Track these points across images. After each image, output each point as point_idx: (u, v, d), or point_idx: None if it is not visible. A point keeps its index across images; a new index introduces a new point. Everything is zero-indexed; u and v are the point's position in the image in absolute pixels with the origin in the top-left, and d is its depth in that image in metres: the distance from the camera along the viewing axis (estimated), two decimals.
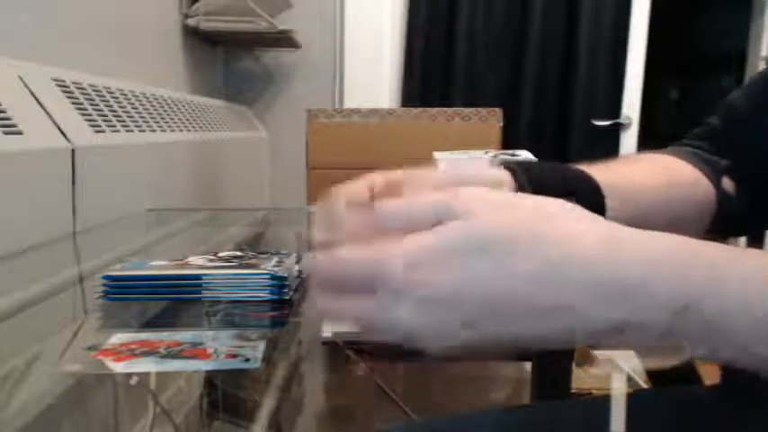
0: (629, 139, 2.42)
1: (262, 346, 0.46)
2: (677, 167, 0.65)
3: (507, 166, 0.53)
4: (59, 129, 0.85)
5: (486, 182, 0.50)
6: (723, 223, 0.62)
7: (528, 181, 0.51)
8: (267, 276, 0.56)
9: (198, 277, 0.56)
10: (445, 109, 1.56)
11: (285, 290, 0.57)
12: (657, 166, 0.65)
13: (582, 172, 0.55)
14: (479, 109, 1.54)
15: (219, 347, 0.45)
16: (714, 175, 0.64)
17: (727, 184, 0.64)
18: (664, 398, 0.47)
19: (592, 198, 0.53)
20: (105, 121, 1.00)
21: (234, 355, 0.44)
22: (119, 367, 0.42)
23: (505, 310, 0.30)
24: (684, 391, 0.49)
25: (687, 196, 0.63)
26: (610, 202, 0.53)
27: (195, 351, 0.44)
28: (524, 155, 1.10)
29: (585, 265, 0.30)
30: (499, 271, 0.30)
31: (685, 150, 0.67)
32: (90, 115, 0.96)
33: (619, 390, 0.49)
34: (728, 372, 0.49)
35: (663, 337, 0.30)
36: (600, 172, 0.56)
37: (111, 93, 1.09)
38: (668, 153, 0.67)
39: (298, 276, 0.63)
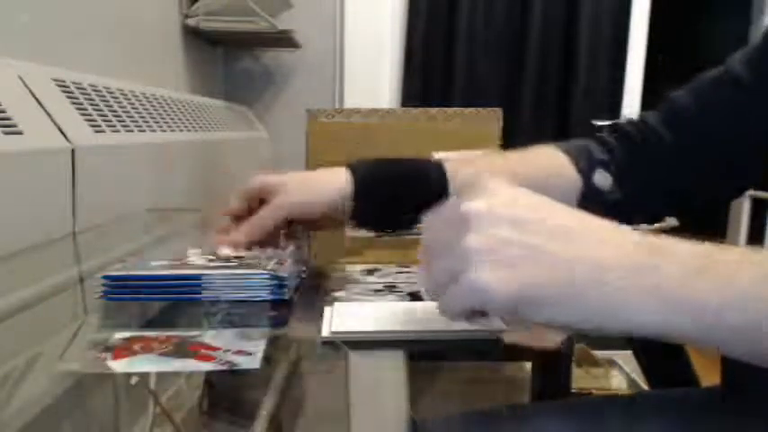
0: None
1: (262, 346, 0.46)
2: (545, 160, 0.72)
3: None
4: (59, 129, 0.85)
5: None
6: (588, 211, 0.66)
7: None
8: (267, 276, 0.56)
9: (198, 277, 0.56)
10: (445, 109, 1.56)
11: (285, 290, 0.57)
12: (524, 159, 0.72)
13: (428, 164, 0.64)
14: (479, 109, 1.54)
15: (220, 348, 0.45)
16: (587, 167, 0.69)
17: (600, 178, 0.69)
18: (664, 399, 0.47)
19: (438, 185, 0.63)
20: (105, 121, 1.00)
21: (234, 355, 0.44)
22: (119, 367, 0.42)
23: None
24: (684, 393, 0.49)
25: (544, 187, 0.67)
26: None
27: (196, 351, 0.45)
28: None
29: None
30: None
31: (572, 145, 0.74)
32: (90, 115, 0.96)
33: (619, 390, 0.49)
34: (729, 374, 0.49)
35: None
36: (457, 164, 0.64)
37: (111, 93, 1.09)
38: (554, 146, 0.74)
39: (298, 276, 0.63)
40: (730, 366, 0.50)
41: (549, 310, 0.35)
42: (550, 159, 0.71)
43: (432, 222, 0.40)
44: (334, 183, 0.63)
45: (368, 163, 0.65)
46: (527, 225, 0.36)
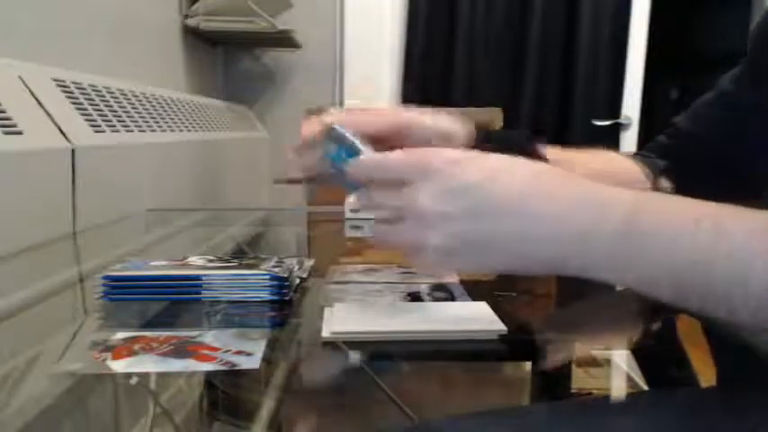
0: (629, 139, 2.42)
1: (262, 346, 0.46)
2: (620, 161, 0.74)
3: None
4: (59, 129, 0.85)
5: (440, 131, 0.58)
6: None
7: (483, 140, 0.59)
8: (267, 277, 0.56)
9: (198, 277, 0.56)
10: (445, 109, 1.55)
11: (285, 290, 0.57)
12: (603, 157, 0.73)
13: (536, 149, 0.64)
14: (479, 109, 1.54)
15: (220, 348, 0.45)
16: (652, 172, 0.72)
17: (665, 183, 0.72)
18: (661, 399, 0.47)
19: None
20: (105, 121, 1.00)
21: (234, 355, 0.44)
22: (119, 367, 0.42)
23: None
24: (682, 392, 0.49)
25: (623, 185, 0.70)
26: None
27: (196, 351, 0.45)
28: None
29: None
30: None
31: (631, 154, 0.76)
32: (90, 115, 0.96)
33: (619, 390, 0.49)
34: (723, 373, 0.49)
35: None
36: (555, 152, 0.64)
37: (111, 93, 1.09)
38: (616, 153, 0.77)
39: (298, 276, 0.63)
40: (724, 366, 0.50)
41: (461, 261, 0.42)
42: (622, 163, 0.74)
43: (404, 159, 0.43)
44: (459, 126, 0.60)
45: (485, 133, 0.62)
46: (478, 218, 0.40)
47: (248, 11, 1.76)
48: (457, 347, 0.49)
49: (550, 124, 2.38)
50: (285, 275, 0.57)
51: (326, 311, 0.52)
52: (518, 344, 0.50)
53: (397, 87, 2.32)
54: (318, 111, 0.54)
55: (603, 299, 0.73)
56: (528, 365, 0.50)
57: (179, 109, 1.43)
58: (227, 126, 1.79)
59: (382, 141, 0.52)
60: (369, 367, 0.47)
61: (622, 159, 0.74)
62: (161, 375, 0.41)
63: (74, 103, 0.94)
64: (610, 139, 2.40)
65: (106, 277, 0.56)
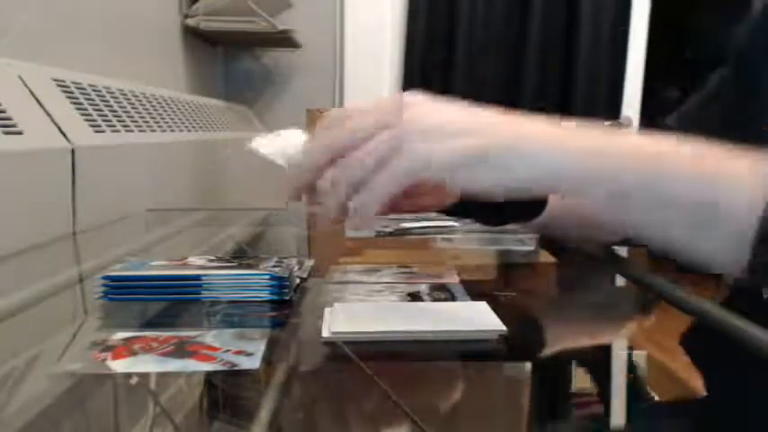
0: None
1: (262, 346, 0.46)
2: None
3: None
4: (59, 129, 0.85)
5: None
6: None
7: None
8: (267, 277, 0.56)
9: (198, 277, 0.56)
10: None
11: (285, 290, 0.57)
12: None
13: None
14: None
15: (220, 348, 0.45)
16: None
17: None
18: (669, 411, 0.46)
19: None
20: (105, 121, 1.00)
21: (234, 355, 0.44)
22: (119, 367, 0.42)
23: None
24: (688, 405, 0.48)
25: None
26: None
27: (196, 351, 0.45)
28: None
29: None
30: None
31: None
32: (90, 115, 0.96)
33: (618, 389, 0.48)
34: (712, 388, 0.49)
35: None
36: None
37: (111, 93, 1.09)
38: None
39: (298, 276, 0.63)
40: (714, 380, 0.49)
41: (479, 170, 0.41)
42: None
43: (360, 110, 0.44)
44: None
45: None
46: (462, 110, 0.43)
47: (248, 11, 1.76)
48: (457, 347, 0.49)
49: None
50: (285, 275, 0.57)
51: (326, 311, 0.52)
52: (518, 344, 0.50)
53: (398, 87, 2.31)
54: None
55: (604, 298, 0.73)
56: (528, 365, 0.50)
57: (179, 109, 1.43)
58: (227, 126, 1.79)
59: None
60: (369, 367, 0.47)
61: None
62: (161, 375, 0.41)
63: (74, 103, 0.94)
64: None
65: (106, 277, 0.56)
